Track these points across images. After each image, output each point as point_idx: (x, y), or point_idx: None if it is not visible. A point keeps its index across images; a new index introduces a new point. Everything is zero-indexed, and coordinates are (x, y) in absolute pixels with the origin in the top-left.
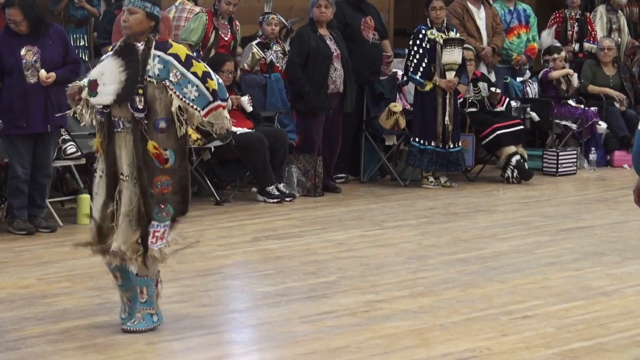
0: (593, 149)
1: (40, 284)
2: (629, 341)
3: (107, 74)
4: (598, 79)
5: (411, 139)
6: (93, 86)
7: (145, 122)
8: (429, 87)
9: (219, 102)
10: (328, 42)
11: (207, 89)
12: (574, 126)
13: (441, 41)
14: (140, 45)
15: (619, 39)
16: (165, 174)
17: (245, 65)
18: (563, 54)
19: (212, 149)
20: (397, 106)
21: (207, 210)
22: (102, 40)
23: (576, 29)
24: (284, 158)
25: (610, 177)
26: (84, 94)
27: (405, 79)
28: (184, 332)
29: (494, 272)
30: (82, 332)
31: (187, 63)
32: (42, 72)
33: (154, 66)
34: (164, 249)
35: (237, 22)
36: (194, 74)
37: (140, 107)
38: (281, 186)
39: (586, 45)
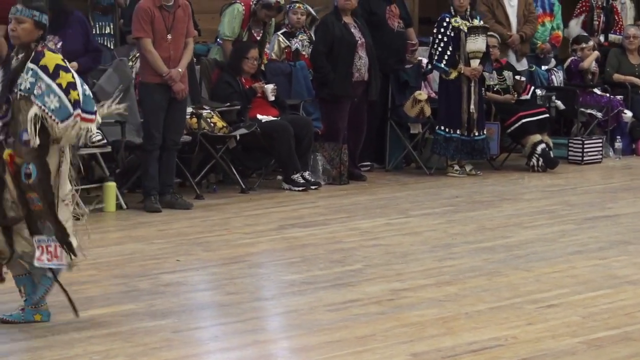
0: (618, 137)
1: (67, 272)
2: None
3: None
4: (623, 68)
5: (437, 127)
6: None
7: (6, 136)
8: (453, 75)
9: (77, 112)
10: (352, 30)
11: (70, 100)
12: (599, 115)
13: (465, 29)
14: (20, 56)
15: None
16: (32, 190)
17: (273, 55)
18: (591, 43)
19: (238, 137)
20: (422, 94)
21: (232, 198)
22: (128, 27)
23: (602, 18)
24: (309, 146)
25: (636, 166)
26: None
27: (429, 67)
28: (209, 320)
29: (519, 260)
30: (108, 320)
31: (54, 74)
32: None
33: (26, 80)
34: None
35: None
36: (59, 85)
37: (0, 114)
38: (306, 174)
39: (612, 36)
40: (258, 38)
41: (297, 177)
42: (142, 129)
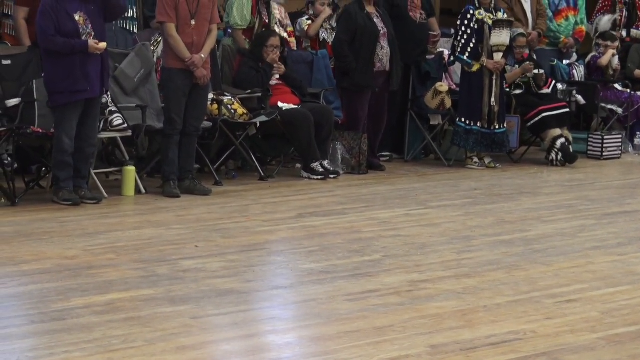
0: (638, 133)
1: (86, 255)
2: None
3: None
4: None
5: (457, 119)
6: None
7: None
8: (476, 67)
9: None
10: (375, 20)
11: None
12: (619, 110)
13: (490, 22)
14: None
15: None
16: None
17: (296, 33)
18: (616, 43)
19: (258, 124)
20: (443, 86)
21: (251, 185)
22: (150, 13)
23: (625, 13)
24: (329, 135)
25: None
26: None
27: (452, 59)
28: (228, 307)
29: (538, 254)
30: (127, 305)
31: None
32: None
33: None
34: None
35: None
36: None
37: None
38: (325, 163)
39: (633, 32)
40: (267, 20)
41: (316, 165)
42: (162, 114)
